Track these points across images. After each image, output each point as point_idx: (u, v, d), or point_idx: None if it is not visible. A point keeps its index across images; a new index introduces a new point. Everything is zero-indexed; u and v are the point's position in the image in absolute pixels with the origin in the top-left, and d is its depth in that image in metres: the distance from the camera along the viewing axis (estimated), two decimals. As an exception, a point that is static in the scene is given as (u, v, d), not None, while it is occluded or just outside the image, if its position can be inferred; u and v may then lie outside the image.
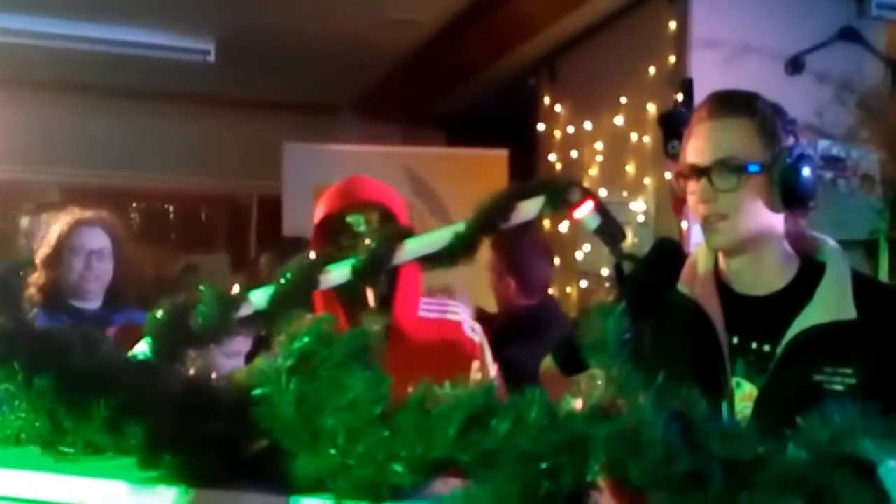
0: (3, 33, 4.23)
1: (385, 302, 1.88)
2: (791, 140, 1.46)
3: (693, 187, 1.47)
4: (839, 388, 1.37)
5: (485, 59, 4.76)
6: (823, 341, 1.39)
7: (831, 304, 1.41)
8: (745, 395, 1.44)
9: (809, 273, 1.46)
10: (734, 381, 1.46)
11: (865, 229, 3.35)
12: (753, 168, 1.42)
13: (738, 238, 1.45)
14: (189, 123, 5.81)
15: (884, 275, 3.27)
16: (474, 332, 1.97)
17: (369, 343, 0.93)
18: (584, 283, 4.33)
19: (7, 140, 5.33)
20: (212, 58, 4.52)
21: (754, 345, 1.46)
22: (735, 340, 1.47)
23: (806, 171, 1.44)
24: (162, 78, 5.14)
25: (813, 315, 1.41)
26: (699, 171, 1.44)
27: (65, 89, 5.41)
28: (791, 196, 1.44)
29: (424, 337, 1.88)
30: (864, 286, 1.44)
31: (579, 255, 4.31)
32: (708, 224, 1.46)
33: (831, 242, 1.51)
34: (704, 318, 1.48)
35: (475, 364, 1.74)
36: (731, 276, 1.52)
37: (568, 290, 4.54)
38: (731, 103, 1.46)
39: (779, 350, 1.42)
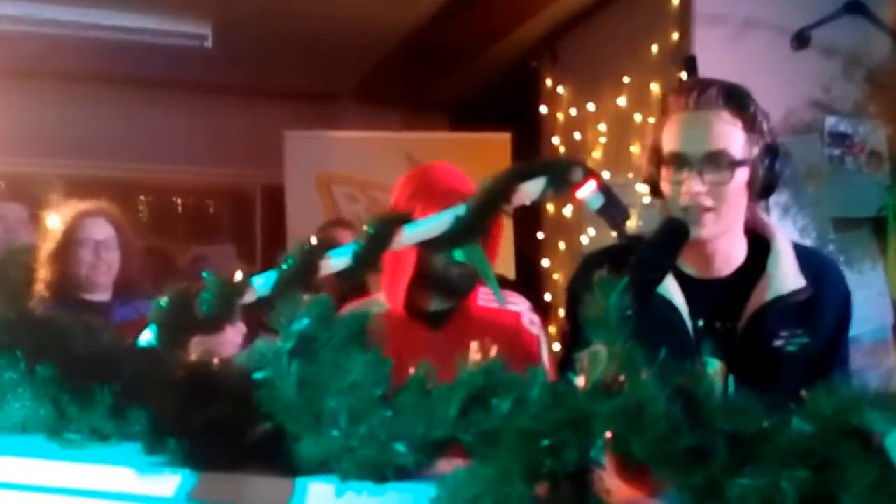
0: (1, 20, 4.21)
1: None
2: (768, 134, 1.50)
3: (676, 176, 1.48)
4: (793, 348, 1.47)
5: (484, 41, 4.73)
6: (782, 311, 1.48)
7: (785, 276, 1.50)
8: (714, 372, 1.48)
9: (758, 249, 1.53)
10: (703, 360, 1.49)
11: (873, 206, 3.32)
12: (743, 163, 1.45)
13: (721, 229, 1.49)
14: (190, 112, 5.79)
15: (892, 252, 3.26)
16: (533, 325, 1.97)
17: (368, 325, 0.93)
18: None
19: (8, 132, 5.32)
20: (209, 43, 4.48)
21: (718, 325, 1.51)
22: (700, 323, 1.51)
23: (778, 165, 1.51)
24: (160, 66, 5.12)
25: (771, 288, 1.49)
26: (688, 163, 1.45)
27: (62, 79, 5.38)
28: (767, 189, 1.52)
29: (483, 325, 1.88)
30: (805, 255, 1.55)
31: (584, 239, 4.29)
32: (691, 215, 1.47)
33: (769, 219, 1.61)
34: (671, 307, 1.51)
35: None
36: (692, 262, 1.55)
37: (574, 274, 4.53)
38: (720, 95, 1.47)
39: (741, 325, 1.49)
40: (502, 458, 0.76)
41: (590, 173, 1.55)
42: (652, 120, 3.81)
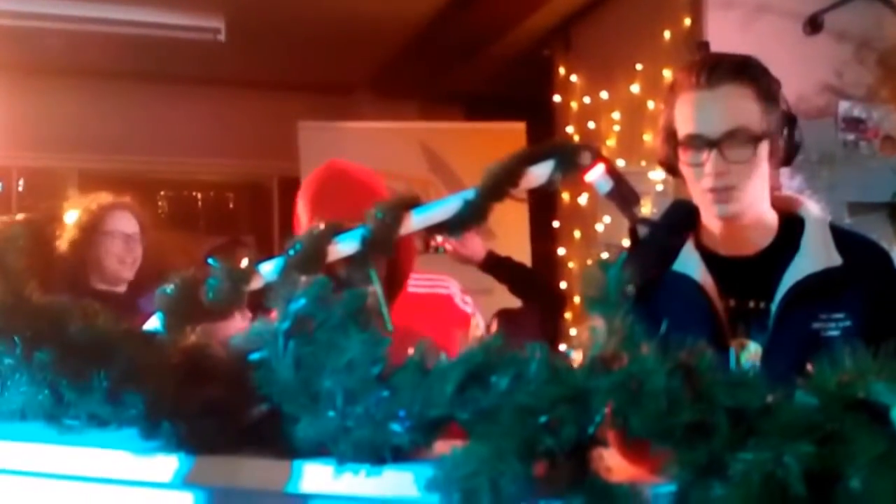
0: (14, 16, 4.24)
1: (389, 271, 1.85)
2: (783, 102, 1.47)
3: (696, 158, 1.44)
4: (835, 333, 1.41)
5: (497, 30, 4.71)
6: (817, 290, 1.42)
7: (819, 253, 1.44)
8: (750, 354, 1.45)
9: (790, 228, 1.49)
10: (736, 342, 1.46)
11: (888, 191, 3.29)
12: (763, 137, 1.42)
13: (747, 206, 1.46)
14: (206, 106, 5.82)
15: (907, 237, 3.22)
16: (466, 304, 1.96)
17: (365, 305, 0.91)
18: (605, 256, 4.29)
19: (25, 128, 5.36)
20: (222, 36, 4.50)
21: (751, 304, 1.47)
22: (732, 303, 1.47)
23: (797, 133, 1.48)
24: (175, 60, 5.14)
25: (804, 266, 1.44)
26: (709, 143, 1.42)
27: (78, 74, 5.42)
28: (789, 158, 1.48)
29: (414, 311, 1.85)
30: (841, 235, 1.49)
31: (599, 227, 4.26)
32: (717, 195, 1.44)
33: (805, 199, 1.55)
34: (695, 286, 1.48)
35: (473, 322, 1.72)
36: (719, 240, 1.51)
37: (589, 262, 4.51)
38: (733, 69, 1.44)
39: (774, 306, 1.44)
40: (498, 436, 0.74)
41: (598, 157, 1.54)
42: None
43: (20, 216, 3.06)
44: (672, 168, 1.53)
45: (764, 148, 1.43)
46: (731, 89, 1.42)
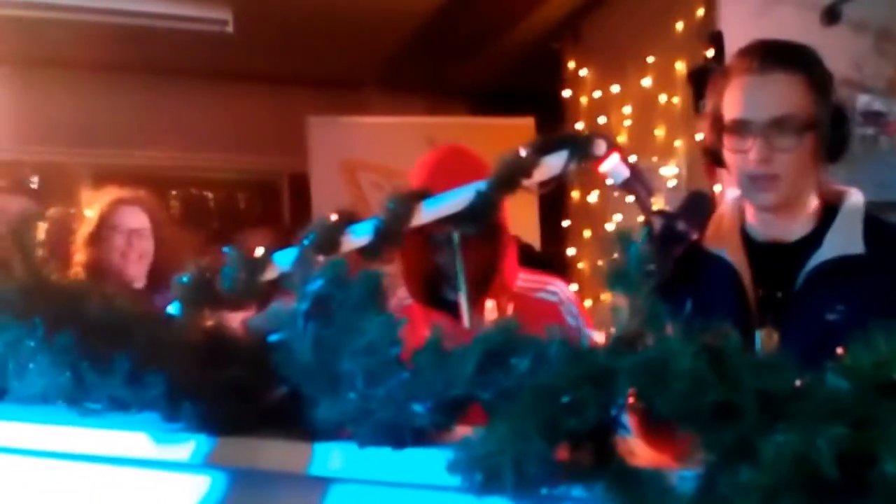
0: (23, 6, 4.23)
1: (486, 269, 1.80)
2: (834, 95, 1.43)
3: (740, 144, 1.41)
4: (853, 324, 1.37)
5: (506, 23, 4.68)
6: (832, 277, 1.40)
7: (839, 241, 1.42)
8: (774, 342, 1.43)
9: (829, 219, 1.46)
10: (764, 331, 1.43)
11: (910, 188, 3.25)
12: (812, 127, 1.39)
13: (788, 197, 1.43)
14: (214, 101, 5.80)
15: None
16: (571, 316, 1.87)
17: (382, 285, 0.90)
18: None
19: (37, 123, 5.36)
20: (230, 28, 4.49)
21: (779, 294, 1.44)
22: (761, 291, 1.45)
23: (847, 127, 1.44)
24: (183, 52, 5.12)
25: (821, 255, 1.41)
26: (754, 129, 1.39)
27: (86, 67, 5.39)
28: (838, 152, 1.44)
29: (518, 312, 1.77)
30: (875, 224, 1.45)
31: (610, 227, 4.24)
32: (758, 183, 1.42)
33: (854, 191, 1.50)
34: (733, 272, 1.46)
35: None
36: (761, 229, 1.50)
37: (600, 263, 4.48)
38: (786, 56, 1.40)
39: (792, 293, 1.42)
40: (520, 416, 0.73)
41: (613, 146, 1.52)
42: (677, 100, 3.78)
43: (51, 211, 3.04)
44: (716, 156, 1.50)
45: (811, 138, 1.39)
46: (783, 76, 1.38)
